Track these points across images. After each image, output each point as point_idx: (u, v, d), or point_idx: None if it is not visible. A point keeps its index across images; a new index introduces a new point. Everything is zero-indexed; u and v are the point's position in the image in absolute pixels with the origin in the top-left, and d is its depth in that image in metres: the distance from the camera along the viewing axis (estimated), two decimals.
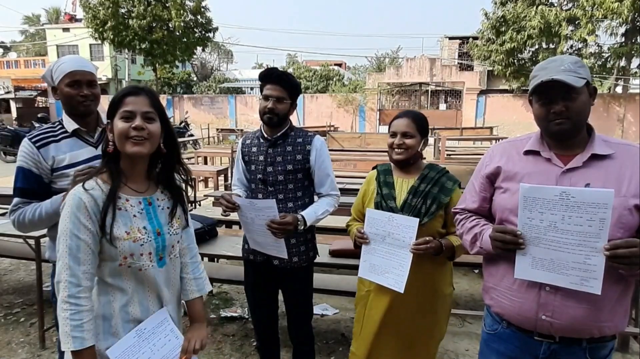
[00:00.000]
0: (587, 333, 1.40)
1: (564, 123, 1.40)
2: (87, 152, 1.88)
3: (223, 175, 7.66)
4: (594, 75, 18.59)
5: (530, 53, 19.92)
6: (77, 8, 28.36)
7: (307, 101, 24.14)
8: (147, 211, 1.41)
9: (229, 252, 2.94)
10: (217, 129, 18.87)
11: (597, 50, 19.16)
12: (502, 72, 20.35)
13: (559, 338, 1.43)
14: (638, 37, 17.95)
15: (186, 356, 1.40)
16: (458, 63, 25.49)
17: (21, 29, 45.81)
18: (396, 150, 1.97)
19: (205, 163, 9.92)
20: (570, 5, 18.87)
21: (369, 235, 1.95)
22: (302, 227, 2.07)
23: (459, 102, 22.94)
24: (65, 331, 1.26)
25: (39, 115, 15.55)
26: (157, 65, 21.71)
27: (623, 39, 18.32)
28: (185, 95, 27.17)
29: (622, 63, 18.91)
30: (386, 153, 2.13)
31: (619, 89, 21.03)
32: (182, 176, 1.54)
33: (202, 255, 2.87)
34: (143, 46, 20.25)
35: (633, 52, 17.91)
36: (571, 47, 19.16)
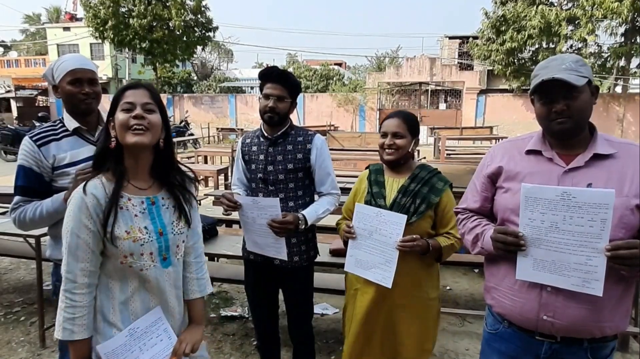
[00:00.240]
0: (588, 333, 1.40)
1: (566, 122, 1.39)
2: (88, 150, 1.88)
3: (223, 175, 7.67)
4: (594, 75, 18.54)
5: (530, 52, 19.91)
6: (77, 7, 28.38)
7: (307, 100, 24.13)
8: (150, 211, 1.40)
9: (229, 251, 2.94)
10: (217, 128, 18.88)
11: (596, 50, 19.14)
12: (502, 72, 20.33)
13: (560, 338, 1.43)
14: (638, 37, 17.95)
15: (175, 357, 1.39)
16: (458, 62, 25.47)
17: (22, 28, 45.78)
18: (387, 150, 1.97)
19: (206, 162, 9.93)
20: (570, 5, 18.86)
21: (357, 230, 1.95)
22: (303, 226, 2.07)
23: (459, 101, 22.92)
24: (59, 320, 1.32)
25: (40, 114, 15.55)
26: (157, 64, 21.70)
27: (623, 39, 18.31)
28: (185, 95, 27.16)
29: (622, 63, 18.88)
30: None
31: (618, 89, 21.03)
32: (188, 175, 1.53)
33: None
34: (143, 45, 20.23)
35: (632, 51, 17.90)
36: (571, 46, 19.14)
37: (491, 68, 21.54)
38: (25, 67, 30.21)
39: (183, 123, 17.45)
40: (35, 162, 1.81)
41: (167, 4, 19.78)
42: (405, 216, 1.81)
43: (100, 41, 21.28)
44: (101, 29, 19.55)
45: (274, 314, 2.38)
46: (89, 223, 1.31)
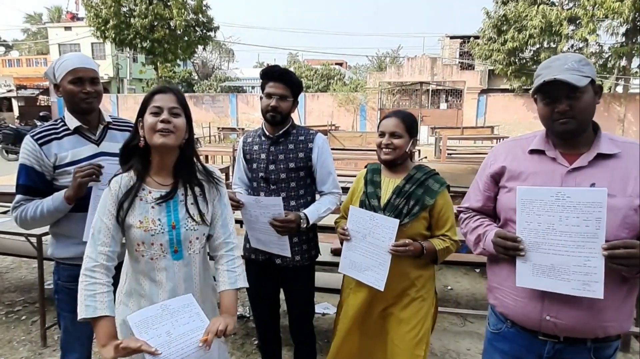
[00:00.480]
0: (591, 334, 1.40)
1: (569, 122, 1.38)
2: (89, 149, 1.88)
3: (224, 174, 7.67)
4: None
5: (532, 52, 19.89)
6: (79, 7, 28.40)
7: (308, 100, 24.13)
8: (167, 205, 1.50)
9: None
10: (218, 128, 18.87)
11: (597, 50, 19.11)
12: (503, 72, 20.31)
13: (563, 338, 1.43)
14: (639, 37, 17.91)
15: (207, 336, 1.36)
16: (459, 62, 25.45)
17: (23, 28, 45.84)
18: (384, 149, 1.96)
19: (207, 161, 9.91)
20: (571, 4, 18.84)
21: (351, 232, 1.95)
22: (305, 225, 2.07)
23: (460, 101, 22.91)
24: (80, 300, 1.39)
25: (41, 114, 15.55)
26: (158, 63, 21.70)
27: (624, 39, 18.27)
28: (186, 94, 27.02)
29: (623, 63, 18.85)
30: None
31: (619, 89, 20.99)
32: (212, 175, 1.61)
33: None
34: (144, 45, 20.25)
35: (634, 51, 17.86)
36: (572, 46, 19.11)
37: (492, 68, 21.53)
38: (26, 67, 30.24)
39: None
40: (36, 161, 1.81)
41: (168, 4, 19.80)
42: (397, 221, 1.80)
43: (101, 41, 21.30)
44: (102, 28, 19.57)
45: (275, 313, 2.38)
46: (112, 209, 1.45)
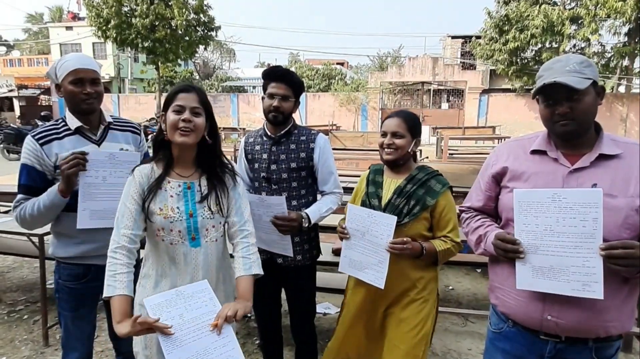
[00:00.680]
0: (592, 333, 1.40)
1: (569, 124, 1.39)
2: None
3: None
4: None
5: (533, 52, 19.86)
6: (80, 6, 28.44)
7: (309, 100, 24.14)
8: (185, 194, 1.60)
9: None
10: (220, 128, 18.83)
11: (600, 50, 19.09)
12: (505, 71, 20.29)
13: (564, 338, 1.43)
14: None
15: (218, 321, 1.42)
16: (460, 62, 25.43)
17: (24, 27, 45.90)
18: (386, 149, 1.95)
19: None
20: (573, 4, 18.81)
21: (350, 231, 1.94)
22: (307, 225, 2.07)
23: (461, 101, 22.89)
24: (105, 281, 1.47)
25: (42, 114, 15.57)
26: (159, 63, 21.67)
27: (626, 39, 18.24)
28: None
29: (625, 62, 18.82)
30: None
31: (621, 89, 20.94)
32: (229, 168, 1.71)
33: None
34: (146, 44, 20.24)
35: (636, 51, 17.83)
36: (574, 46, 19.09)
37: (494, 68, 21.51)
38: (27, 67, 30.26)
39: None
40: (37, 161, 1.82)
41: (170, 3, 19.79)
42: (395, 218, 1.78)
43: (102, 40, 21.29)
44: (104, 28, 19.57)
45: (276, 313, 2.38)
46: (135, 195, 1.55)
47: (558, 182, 1.42)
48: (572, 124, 1.39)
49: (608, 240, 1.31)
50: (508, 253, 1.43)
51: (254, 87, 31.71)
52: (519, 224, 1.41)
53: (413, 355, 1.89)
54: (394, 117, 1.97)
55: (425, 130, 18.94)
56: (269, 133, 2.18)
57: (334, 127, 18.05)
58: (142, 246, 1.72)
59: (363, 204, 1.98)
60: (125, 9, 19.83)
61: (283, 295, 2.35)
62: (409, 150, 1.94)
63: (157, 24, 19.74)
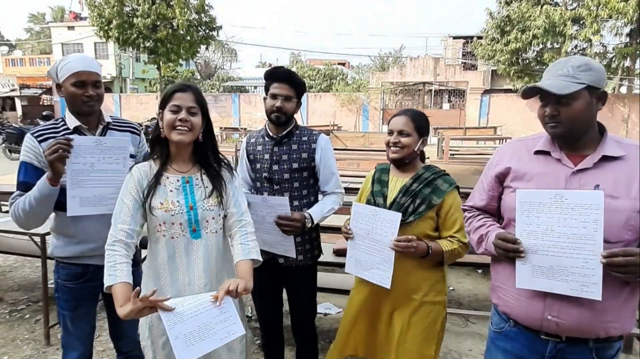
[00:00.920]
0: (593, 333, 1.40)
1: (557, 126, 1.42)
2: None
3: None
4: None
5: (535, 53, 19.84)
6: (82, 6, 28.48)
7: (310, 100, 24.14)
8: (184, 188, 1.65)
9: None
10: (221, 128, 18.88)
11: (601, 50, 19.05)
12: (506, 72, 20.26)
13: (565, 338, 1.43)
14: None
15: (217, 293, 1.46)
16: (462, 62, 25.42)
17: (26, 27, 46.02)
18: (392, 148, 1.93)
19: None
20: (575, 4, 18.79)
21: (355, 230, 1.93)
22: (310, 225, 2.08)
23: (463, 101, 22.89)
24: (105, 273, 1.50)
25: (44, 113, 15.59)
26: (161, 63, 21.70)
27: (628, 39, 18.22)
28: None
29: (627, 63, 18.82)
30: None
31: (623, 89, 20.92)
32: (225, 163, 1.77)
33: None
34: (147, 44, 20.26)
35: (638, 52, 17.82)
36: (576, 46, 19.07)
37: (495, 68, 21.49)
38: (29, 66, 30.30)
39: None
40: (35, 157, 1.82)
41: (171, 3, 19.79)
42: (399, 214, 1.76)
43: (104, 40, 21.30)
44: (105, 28, 19.59)
45: (278, 312, 2.39)
46: (133, 191, 1.60)
47: (561, 183, 1.42)
48: (559, 127, 1.41)
49: (609, 241, 1.31)
50: (509, 253, 1.44)
51: (255, 87, 31.73)
52: (521, 224, 1.41)
53: (424, 355, 1.90)
54: (401, 115, 1.95)
55: None
56: (270, 134, 2.19)
57: (335, 127, 18.06)
58: (144, 247, 1.72)
59: (368, 203, 1.96)
60: (127, 8, 19.84)
61: (284, 295, 2.36)
62: (416, 149, 1.92)
63: (158, 23, 19.76)
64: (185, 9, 19.72)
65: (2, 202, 4.84)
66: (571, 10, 18.35)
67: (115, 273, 1.49)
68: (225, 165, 1.77)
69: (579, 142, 1.43)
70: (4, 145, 14.10)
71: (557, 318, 1.41)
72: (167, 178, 1.64)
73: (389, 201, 1.92)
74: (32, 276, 4.43)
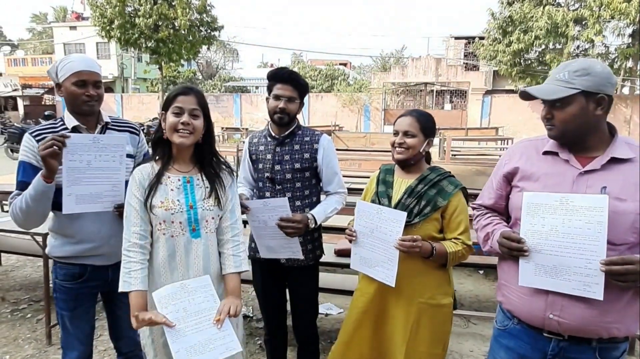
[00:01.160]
0: (595, 333, 1.40)
1: (551, 129, 1.46)
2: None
3: None
4: None
5: (537, 53, 19.81)
6: (84, 6, 28.53)
7: (312, 100, 24.15)
8: (185, 188, 1.68)
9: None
10: (222, 128, 18.90)
11: (604, 51, 19.01)
12: (508, 72, 20.24)
13: (567, 336, 1.44)
14: None
15: (220, 316, 1.55)
16: (464, 63, 25.40)
17: (29, 27, 46.13)
18: (397, 149, 1.91)
19: None
20: (577, 5, 18.75)
21: (359, 228, 1.92)
22: (313, 225, 2.09)
23: (464, 102, 22.88)
24: (121, 276, 1.59)
25: (46, 113, 15.64)
26: (162, 63, 21.75)
27: (630, 40, 18.19)
28: None
29: (629, 64, 18.77)
30: (391, 153, 2.11)
31: (625, 90, 20.89)
32: (226, 165, 1.80)
33: None
34: (149, 44, 20.30)
35: None
36: (578, 47, 19.03)
37: (497, 69, 21.46)
38: (32, 66, 30.39)
39: None
40: (34, 156, 1.81)
41: (173, 3, 19.83)
42: (404, 214, 1.75)
43: (106, 40, 21.34)
44: (107, 28, 19.63)
45: (282, 309, 2.39)
46: (137, 193, 1.63)
47: (568, 184, 1.43)
48: (553, 129, 1.46)
49: (614, 243, 1.32)
50: (512, 252, 1.46)
51: (256, 87, 31.78)
52: (526, 224, 1.44)
53: (433, 354, 1.91)
54: (406, 116, 1.94)
55: None
56: (273, 134, 2.19)
57: (337, 128, 18.07)
58: None
59: (372, 203, 1.95)
60: (129, 9, 19.89)
61: (286, 295, 2.36)
62: (421, 150, 1.91)
63: (160, 23, 19.80)
64: (187, 9, 19.75)
65: (3, 202, 4.85)
66: (573, 10, 18.31)
67: (130, 281, 1.57)
68: (226, 167, 1.79)
69: (586, 143, 1.44)
70: (6, 144, 14.13)
71: (558, 317, 1.42)
72: (169, 177, 1.67)
73: (393, 203, 1.91)
74: (34, 275, 4.43)
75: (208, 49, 27.47)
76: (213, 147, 1.77)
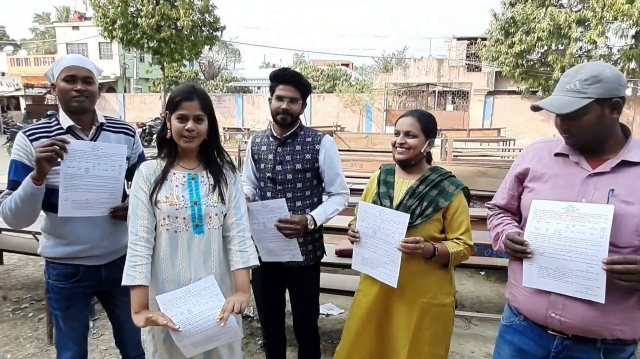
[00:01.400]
0: (597, 334, 1.40)
1: (568, 137, 1.47)
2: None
3: None
4: None
5: (539, 54, 19.77)
6: (87, 7, 28.59)
7: (314, 101, 24.14)
8: (189, 184, 1.70)
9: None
10: (224, 128, 18.88)
11: (607, 52, 18.97)
12: (511, 73, 20.20)
13: (571, 335, 1.45)
14: None
15: (224, 314, 1.56)
16: (466, 64, 25.37)
17: (31, 27, 46.26)
18: (398, 149, 1.91)
19: None
20: (580, 6, 18.71)
21: (361, 229, 1.92)
22: (313, 226, 2.08)
23: (466, 102, 22.85)
24: (125, 269, 1.59)
25: (48, 113, 15.64)
26: (165, 63, 21.76)
27: (633, 41, 18.13)
28: None
29: (632, 65, 18.70)
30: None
31: (628, 91, 20.84)
32: (229, 163, 1.82)
33: None
34: (151, 45, 20.32)
35: None
36: (580, 48, 18.99)
37: (499, 69, 21.43)
38: (34, 66, 30.42)
39: None
40: (26, 156, 1.80)
41: (175, 4, 19.86)
42: (407, 216, 1.75)
43: (108, 40, 21.39)
44: (110, 28, 19.66)
45: (280, 312, 2.39)
46: (144, 186, 1.66)
47: (576, 185, 1.43)
48: (570, 138, 1.46)
49: (618, 246, 1.33)
50: (516, 253, 1.49)
51: (258, 88, 31.77)
52: (530, 227, 1.47)
53: (435, 355, 1.93)
54: (407, 116, 1.93)
55: None
56: (275, 134, 2.19)
57: (338, 128, 18.05)
58: None
59: (374, 204, 1.95)
60: (131, 9, 19.92)
61: (287, 295, 2.36)
62: (422, 151, 1.91)
63: (162, 24, 19.82)
64: (190, 9, 19.78)
65: None
66: (576, 12, 18.28)
67: (135, 274, 1.57)
68: (229, 164, 1.81)
69: (602, 147, 1.44)
70: (8, 144, 14.15)
71: (560, 316, 1.43)
72: (174, 174, 1.70)
73: (395, 204, 1.91)
74: (36, 274, 4.44)
75: (210, 49, 27.52)
76: (219, 144, 1.79)
